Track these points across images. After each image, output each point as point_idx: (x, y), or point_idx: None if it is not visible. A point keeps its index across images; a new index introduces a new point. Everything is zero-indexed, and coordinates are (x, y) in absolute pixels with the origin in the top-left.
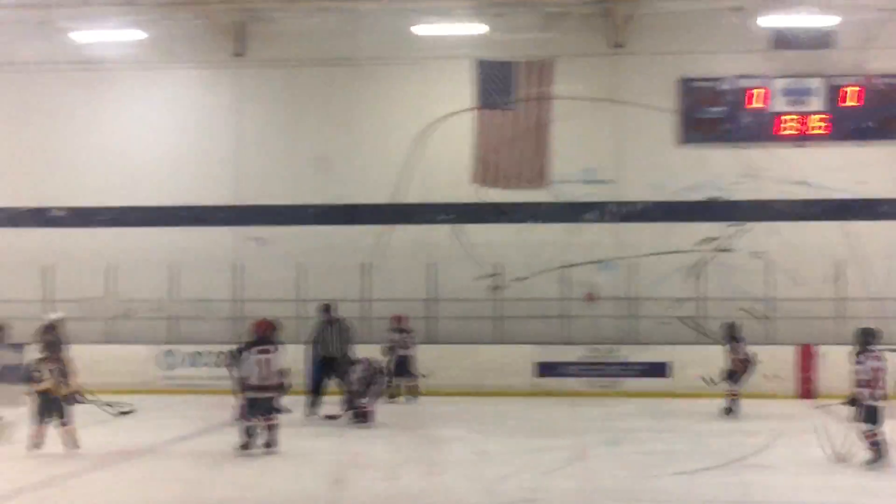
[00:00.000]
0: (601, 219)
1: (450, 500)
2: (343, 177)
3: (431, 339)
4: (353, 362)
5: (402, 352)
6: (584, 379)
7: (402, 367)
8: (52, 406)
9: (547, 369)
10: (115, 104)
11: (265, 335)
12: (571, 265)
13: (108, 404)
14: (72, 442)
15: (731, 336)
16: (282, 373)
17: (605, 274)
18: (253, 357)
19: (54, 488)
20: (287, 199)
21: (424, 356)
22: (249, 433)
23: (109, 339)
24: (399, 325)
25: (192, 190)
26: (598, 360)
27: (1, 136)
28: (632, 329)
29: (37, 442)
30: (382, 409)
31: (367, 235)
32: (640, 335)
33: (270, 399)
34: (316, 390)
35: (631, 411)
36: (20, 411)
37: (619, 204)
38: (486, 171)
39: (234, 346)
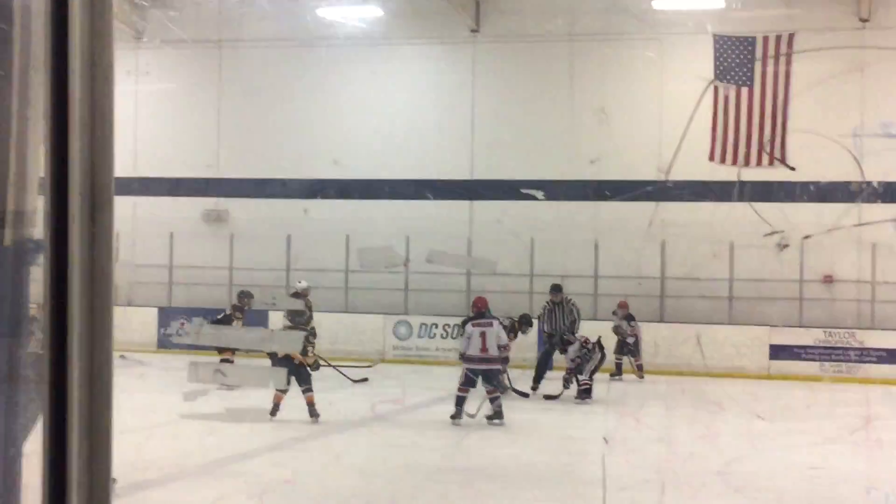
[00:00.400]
0: (849, 198)
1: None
2: (575, 153)
3: (660, 318)
4: (570, 340)
5: (626, 338)
6: (819, 363)
7: (625, 347)
8: (297, 374)
9: (781, 352)
10: (353, 79)
11: (482, 311)
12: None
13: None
14: (313, 411)
15: None
16: (502, 347)
17: None
18: (469, 331)
19: (293, 450)
20: (521, 174)
21: (652, 335)
22: (459, 403)
23: (347, 307)
24: (622, 312)
25: (429, 164)
26: (835, 345)
27: (246, 110)
28: (871, 313)
29: (274, 408)
30: (610, 387)
31: (599, 211)
32: (878, 320)
33: (488, 371)
34: (541, 368)
35: (870, 398)
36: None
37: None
38: (723, 149)
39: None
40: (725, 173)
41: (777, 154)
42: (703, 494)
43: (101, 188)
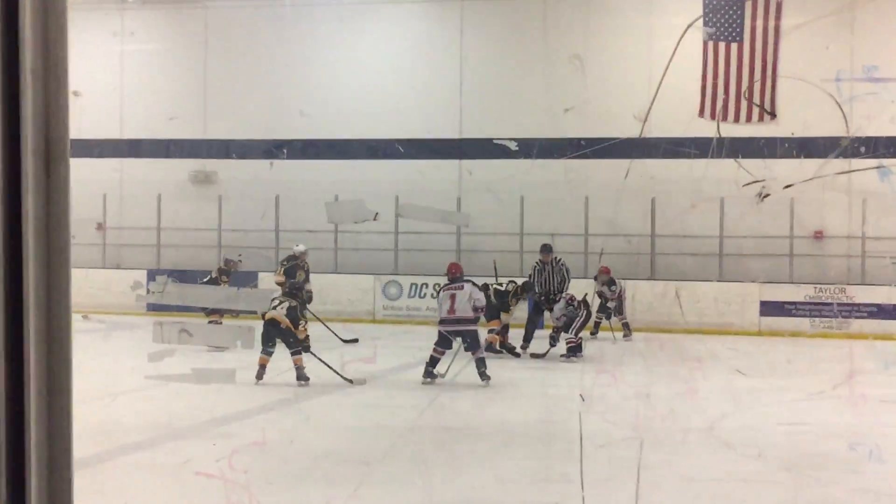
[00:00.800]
0: (836, 155)
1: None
2: (570, 111)
3: (650, 275)
4: (556, 299)
5: (608, 303)
6: (810, 319)
7: (607, 310)
8: (284, 337)
9: (771, 308)
10: (341, 40)
11: (455, 276)
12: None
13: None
14: (302, 374)
15: None
16: (479, 308)
17: (884, 181)
18: (441, 296)
19: (262, 411)
20: (511, 133)
21: (646, 291)
22: (431, 364)
23: (336, 268)
24: (604, 278)
25: (418, 124)
26: (826, 301)
27: (233, 71)
28: (861, 268)
29: (260, 371)
30: (587, 345)
31: (593, 169)
32: (867, 275)
33: (462, 333)
34: (530, 328)
35: (856, 353)
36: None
37: (859, 139)
38: (713, 105)
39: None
40: (709, 130)
41: (767, 107)
42: (683, 451)
43: (56, 140)
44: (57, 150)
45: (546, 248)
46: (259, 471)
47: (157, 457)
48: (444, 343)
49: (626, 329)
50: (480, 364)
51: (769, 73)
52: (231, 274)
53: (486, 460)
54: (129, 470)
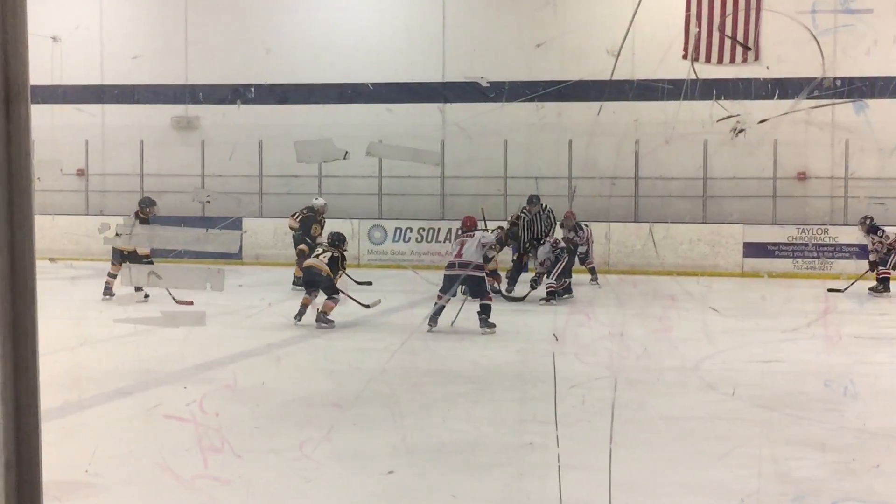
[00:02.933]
0: (816, 95)
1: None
2: (552, 54)
3: (634, 218)
4: (542, 242)
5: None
6: (793, 260)
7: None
8: (323, 282)
9: (755, 249)
10: None
11: (469, 228)
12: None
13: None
14: (325, 318)
15: None
16: (485, 245)
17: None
18: (455, 241)
19: (233, 355)
20: (493, 76)
21: (630, 234)
22: (436, 312)
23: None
24: (570, 223)
25: (400, 67)
26: (808, 241)
27: (215, 15)
28: (844, 209)
29: (301, 311)
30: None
31: (577, 112)
32: (850, 216)
33: (467, 278)
34: (515, 272)
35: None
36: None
37: (838, 79)
38: (685, 43)
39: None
40: (683, 70)
41: (749, 44)
42: (657, 390)
43: (15, 80)
44: (16, 88)
45: (533, 200)
46: (230, 414)
47: (127, 403)
48: (446, 289)
49: (593, 273)
50: (484, 310)
51: (753, 5)
52: (150, 218)
53: (459, 402)
54: (98, 416)
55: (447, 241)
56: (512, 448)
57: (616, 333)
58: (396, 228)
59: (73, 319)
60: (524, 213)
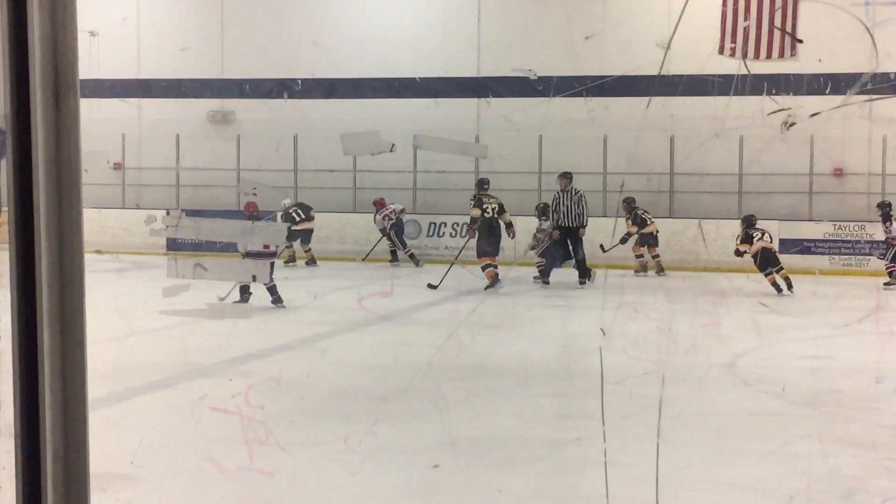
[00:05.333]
0: (863, 85)
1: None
2: (600, 47)
3: (669, 213)
4: (576, 232)
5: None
6: (829, 257)
7: None
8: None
9: (790, 245)
10: None
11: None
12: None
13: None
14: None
15: None
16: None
17: None
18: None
19: (278, 347)
20: (540, 70)
21: (664, 230)
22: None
23: (355, 208)
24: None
25: (436, 61)
26: (845, 238)
27: (251, 9)
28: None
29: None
30: (607, 280)
31: (624, 107)
32: None
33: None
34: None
35: (878, 290)
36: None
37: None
38: (733, 37)
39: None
40: (729, 67)
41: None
42: (705, 387)
43: (65, 71)
44: (66, 81)
45: (563, 175)
46: (275, 407)
47: (173, 394)
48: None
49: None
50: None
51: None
52: None
53: (505, 397)
54: (143, 408)
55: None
56: (557, 443)
57: (664, 328)
58: (431, 223)
59: (120, 311)
60: (556, 194)
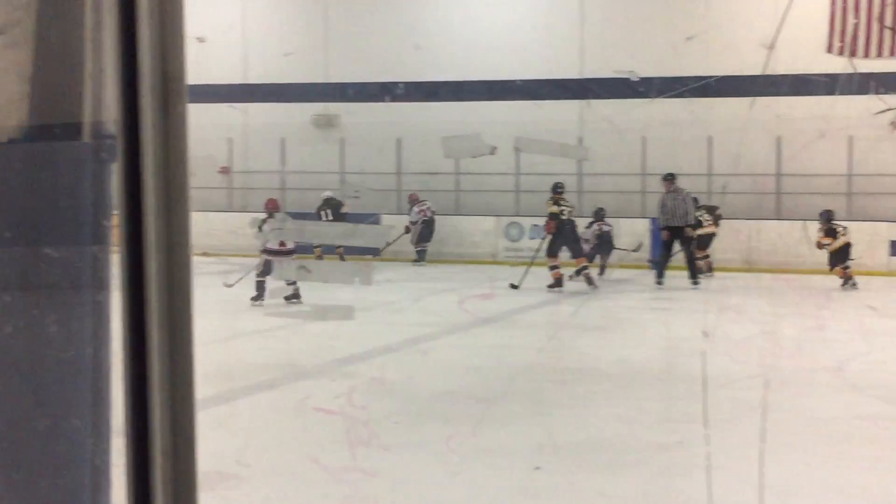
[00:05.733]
0: None
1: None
2: (702, 48)
3: (776, 215)
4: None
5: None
6: None
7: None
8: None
9: None
10: None
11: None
12: None
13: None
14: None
15: None
16: None
17: None
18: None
19: (382, 348)
20: (641, 71)
21: (769, 232)
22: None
23: (458, 210)
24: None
25: (537, 63)
26: None
27: (349, 13)
28: None
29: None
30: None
31: (727, 107)
32: None
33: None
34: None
35: None
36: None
37: None
38: (841, 39)
39: None
40: (835, 66)
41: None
42: (811, 391)
43: (173, 78)
44: (174, 86)
45: (666, 177)
46: (377, 407)
47: (277, 395)
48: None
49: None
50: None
51: None
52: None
53: (606, 400)
54: (248, 408)
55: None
56: (659, 447)
57: (768, 331)
58: (533, 225)
59: (226, 313)
60: (662, 196)
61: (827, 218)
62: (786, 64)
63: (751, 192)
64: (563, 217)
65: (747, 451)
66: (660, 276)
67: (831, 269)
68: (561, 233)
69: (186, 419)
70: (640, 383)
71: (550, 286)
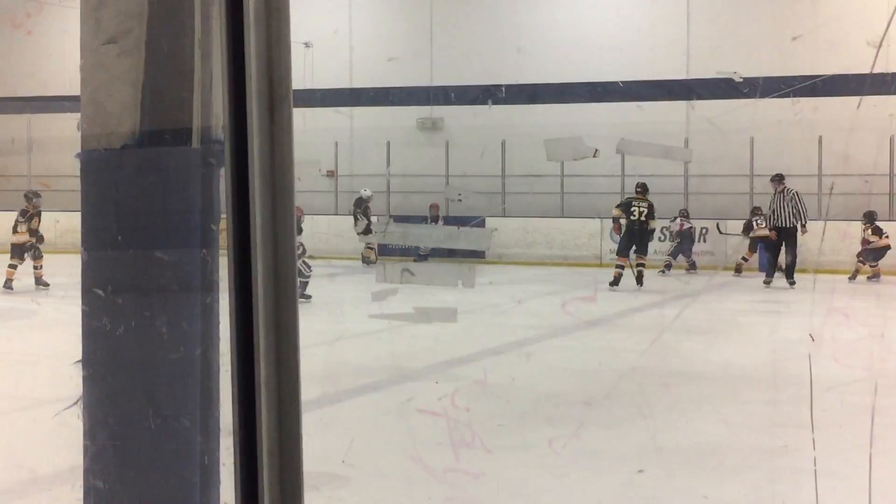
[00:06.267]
0: None
1: None
2: (807, 47)
3: (889, 216)
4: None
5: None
6: None
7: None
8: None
9: None
10: None
11: None
12: None
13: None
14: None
15: None
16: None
17: None
18: None
19: (483, 349)
20: (745, 71)
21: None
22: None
23: (563, 213)
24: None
25: (643, 63)
26: None
27: (452, 17)
28: None
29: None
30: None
31: (833, 107)
32: None
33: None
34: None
35: None
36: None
37: None
38: None
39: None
40: None
41: None
42: None
43: (279, 82)
44: (280, 91)
45: (773, 178)
46: (481, 409)
47: (380, 396)
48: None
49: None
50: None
51: None
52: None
53: (710, 403)
54: (353, 409)
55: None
56: (764, 451)
57: (877, 335)
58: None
59: (331, 315)
60: (772, 197)
61: (872, 218)
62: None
63: (862, 193)
64: (633, 218)
65: (855, 457)
66: (769, 275)
67: (863, 265)
68: (630, 233)
69: (292, 419)
70: (745, 387)
71: (611, 283)
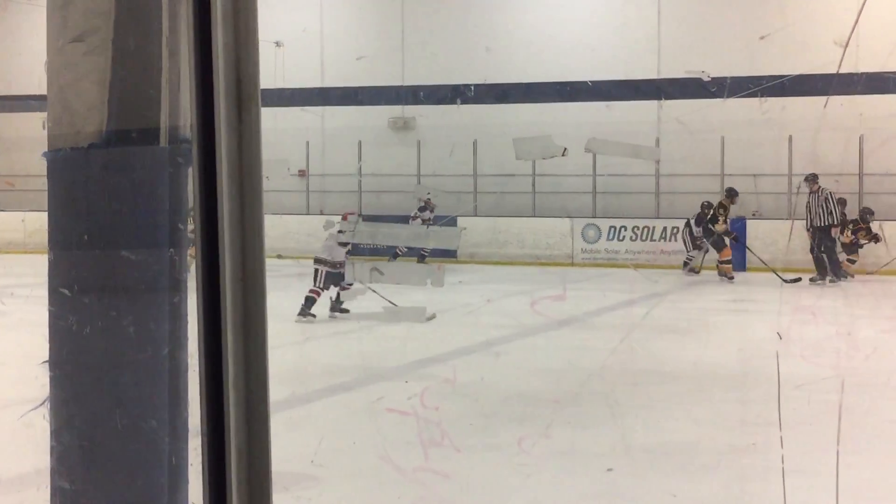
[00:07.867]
0: None
1: None
2: (775, 47)
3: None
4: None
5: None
6: None
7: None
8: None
9: None
10: None
11: None
12: None
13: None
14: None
15: None
16: None
17: None
18: None
19: (452, 350)
20: (713, 71)
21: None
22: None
23: (534, 212)
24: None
25: (614, 63)
26: None
27: (422, 17)
28: None
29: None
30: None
31: (800, 107)
32: None
33: None
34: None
35: None
36: None
37: None
38: None
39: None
40: None
41: None
42: (887, 393)
43: (247, 81)
44: (248, 90)
45: (806, 178)
46: (450, 409)
47: (350, 396)
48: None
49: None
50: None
51: None
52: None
53: (679, 402)
54: (322, 409)
55: (662, 240)
56: (733, 449)
57: (843, 333)
58: (611, 227)
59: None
60: (808, 197)
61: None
62: (865, 61)
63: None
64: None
65: (823, 455)
66: (822, 275)
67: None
68: None
69: (261, 419)
70: (714, 385)
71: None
